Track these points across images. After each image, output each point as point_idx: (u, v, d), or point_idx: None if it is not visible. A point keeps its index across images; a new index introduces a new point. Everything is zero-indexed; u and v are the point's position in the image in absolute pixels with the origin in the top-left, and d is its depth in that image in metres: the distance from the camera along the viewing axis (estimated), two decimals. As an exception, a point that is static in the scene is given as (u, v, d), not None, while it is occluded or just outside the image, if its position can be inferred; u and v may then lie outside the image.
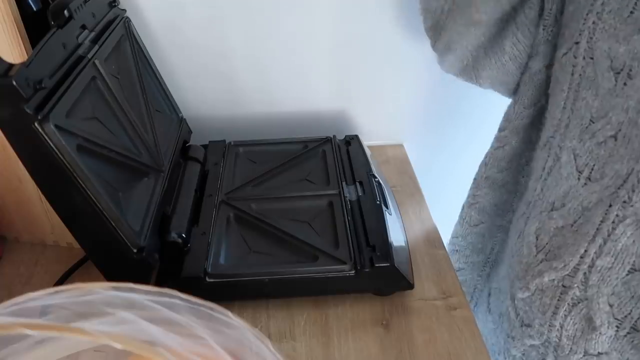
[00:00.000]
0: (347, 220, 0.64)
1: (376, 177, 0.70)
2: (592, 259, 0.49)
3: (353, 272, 0.58)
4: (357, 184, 0.70)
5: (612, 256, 0.47)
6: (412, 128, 0.90)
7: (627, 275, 0.46)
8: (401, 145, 0.90)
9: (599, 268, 0.48)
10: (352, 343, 0.57)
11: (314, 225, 0.64)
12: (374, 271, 0.58)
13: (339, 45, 0.78)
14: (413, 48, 0.80)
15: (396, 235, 0.63)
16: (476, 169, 0.74)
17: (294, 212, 0.66)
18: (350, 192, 0.68)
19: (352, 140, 0.79)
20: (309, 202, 0.67)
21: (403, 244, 0.64)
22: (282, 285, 0.59)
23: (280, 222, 0.64)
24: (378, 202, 0.66)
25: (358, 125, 0.88)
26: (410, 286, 0.60)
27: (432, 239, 0.71)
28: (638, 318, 0.47)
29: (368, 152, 0.77)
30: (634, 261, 0.45)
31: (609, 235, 0.47)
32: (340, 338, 0.58)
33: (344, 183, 0.70)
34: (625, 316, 0.47)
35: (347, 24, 0.76)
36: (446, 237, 0.72)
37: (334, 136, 0.79)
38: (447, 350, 0.56)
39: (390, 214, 0.66)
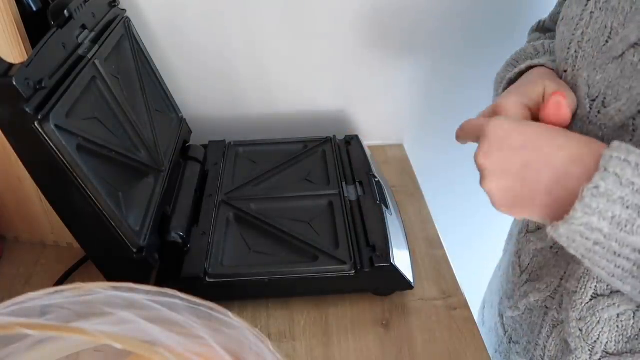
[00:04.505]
0: (347, 220, 0.64)
1: (376, 177, 0.70)
2: (565, 281, 0.49)
3: (353, 272, 0.58)
4: (357, 184, 0.70)
5: (575, 280, 0.47)
6: (412, 128, 0.90)
7: (590, 300, 0.46)
8: (401, 145, 0.90)
9: (568, 291, 0.48)
10: (352, 343, 0.57)
11: (314, 225, 0.64)
12: (374, 271, 0.58)
13: (339, 45, 0.78)
14: (413, 48, 0.80)
15: (396, 235, 0.63)
16: (476, 169, 0.74)
17: (294, 212, 0.66)
18: (350, 192, 0.68)
19: (352, 140, 0.79)
20: (309, 202, 0.67)
21: (403, 244, 0.64)
22: (282, 285, 0.59)
23: (280, 222, 0.64)
24: (378, 202, 0.66)
25: (358, 125, 0.88)
26: (410, 286, 0.60)
27: (432, 239, 0.71)
28: (607, 342, 0.46)
29: (368, 152, 0.77)
30: (596, 286, 0.45)
31: (573, 258, 0.47)
32: (340, 338, 0.58)
33: (344, 183, 0.70)
34: (595, 341, 0.47)
35: (347, 25, 0.76)
36: (446, 237, 0.72)
37: (334, 136, 0.79)
38: (447, 350, 0.56)
39: (390, 214, 0.66)
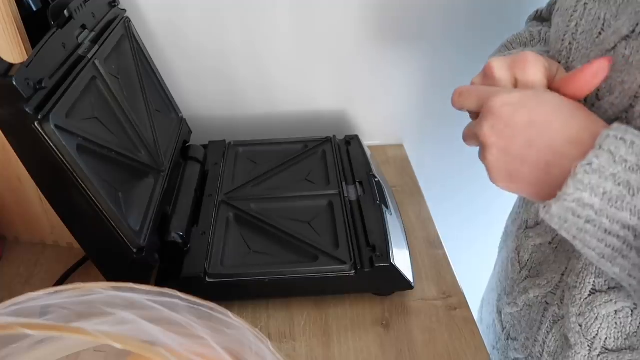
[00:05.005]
0: (347, 220, 0.64)
1: (376, 177, 0.70)
2: (567, 277, 0.49)
3: (353, 272, 0.58)
4: (357, 184, 0.70)
5: (575, 275, 0.47)
6: (412, 128, 0.90)
7: (589, 295, 0.46)
8: (401, 146, 0.90)
9: (569, 286, 0.48)
10: (352, 343, 0.57)
11: (314, 225, 0.64)
12: (374, 271, 0.58)
13: (339, 45, 0.78)
14: (413, 48, 0.80)
15: (396, 235, 0.63)
16: (476, 169, 0.74)
17: (294, 212, 0.66)
18: (350, 192, 0.68)
19: (352, 140, 0.79)
20: (309, 202, 0.67)
21: (403, 244, 0.64)
22: (282, 285, 0.59)
23: (280, 222, 0.64)
24: (378, 202, 0.66)
25: (358, 125, 0.88)
26: (410, 286, 0.60)
27: (432, 239, 0.71)
28: (606, 338, 0.47)
29: (368, 152, 0.77)
30: (594, 281, 0.46)
31: (574, 253, 0.47)
32: (340, 338, 0.58)
33: (344, 183, 0.70)
34: (594, 337, 0.47)
35: (348, 25, 0.76)
36: (446, 237, 0.72)
37: (334, 136, 0.79)
38: (447, 350, 0.56)
39: (390, 214, 0.66)
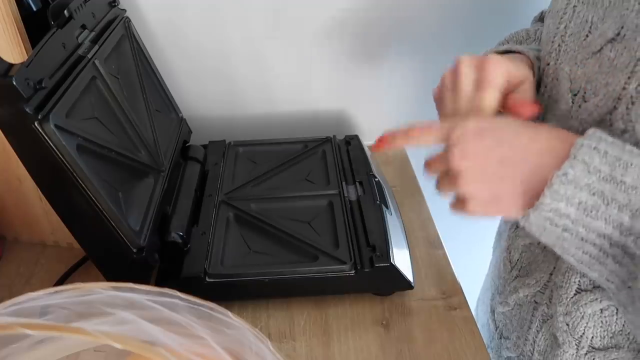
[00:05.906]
0: (347, 220, 0.64)
1: (376, 177, 0.70)
2: (555, 276, 0.50)
3: (353, 272, 0.58)
4: (357, 184, 0.70)
5: (561, 274, 0.47)
6: (412, 128, 0.90)
7: (575, 294, 0.47)
8: (401, 145, 0.90)
9: (557, 286, 0.49)
10: (352, 343, 0.57)
11: (314, 225, 0.64)
12: (374, 271, 0.58)
13: (339, 45, 0.78)
14: (413, 48, 0.80)
15: (396, 235, 0.63)
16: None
17: (294, 212, 0.66)
18: (350, 192, 0.68)
19: (352, 140, 0.79)
20: (309, 202, 0.67)
21: (403, 244, 0.64)
22: (282, 285, 0.59)
23: (280, 222, 0.64)
24: (378, 202, 0.66)
25: (358, 125, 0.88)
26: (410, 286, 0.60)
27: (432, 239, 0.71)
28: (593, 337, 0.47)
29: (368, 152, 0.77)
30: (579, 281, 0.46)
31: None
32: (340, 338, 0.58)
33: (344, 183, 0.70)
34: (581, 335, 0.48)
35: (347, 24, 0.76)
36: (446, 237, 0.72)
37: (334, 136, 0.79)
38: (447, 350, 0.56)
39: (390, 214, 0.66)
